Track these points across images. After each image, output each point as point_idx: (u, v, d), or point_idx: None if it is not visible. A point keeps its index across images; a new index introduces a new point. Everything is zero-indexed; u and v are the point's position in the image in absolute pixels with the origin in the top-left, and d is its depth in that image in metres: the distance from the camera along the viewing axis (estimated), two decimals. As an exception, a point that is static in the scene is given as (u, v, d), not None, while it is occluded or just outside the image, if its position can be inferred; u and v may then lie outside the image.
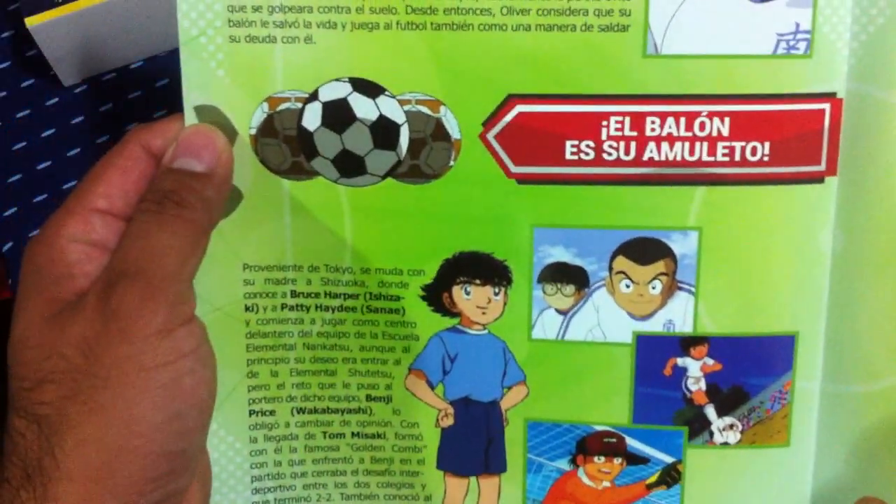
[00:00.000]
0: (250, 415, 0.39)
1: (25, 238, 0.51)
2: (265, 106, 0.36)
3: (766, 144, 0.36)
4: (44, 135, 0.52)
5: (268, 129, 0.37)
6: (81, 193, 0.35)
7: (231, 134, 0.37)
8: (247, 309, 0.38)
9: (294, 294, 0.38)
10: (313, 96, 0.36)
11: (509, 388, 0.39)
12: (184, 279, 0.33)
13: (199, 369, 0.33)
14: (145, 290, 0.32)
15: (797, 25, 0.35)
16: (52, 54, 0.48)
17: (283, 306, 0.38)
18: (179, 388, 0.32)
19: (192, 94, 0.36)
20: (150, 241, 0.33)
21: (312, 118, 0.37)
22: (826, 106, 0.36)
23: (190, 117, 0.36)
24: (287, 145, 0.37)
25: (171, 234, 0.33)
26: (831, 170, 0.36)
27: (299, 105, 0.36)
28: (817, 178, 0.36)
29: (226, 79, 0.36)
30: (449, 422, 0.39)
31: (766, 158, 0.36)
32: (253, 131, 0.37)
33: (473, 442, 0.39)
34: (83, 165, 0.52)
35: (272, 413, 0.39)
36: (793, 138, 0.36)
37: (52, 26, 0.46)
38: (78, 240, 0.34)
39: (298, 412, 0.39)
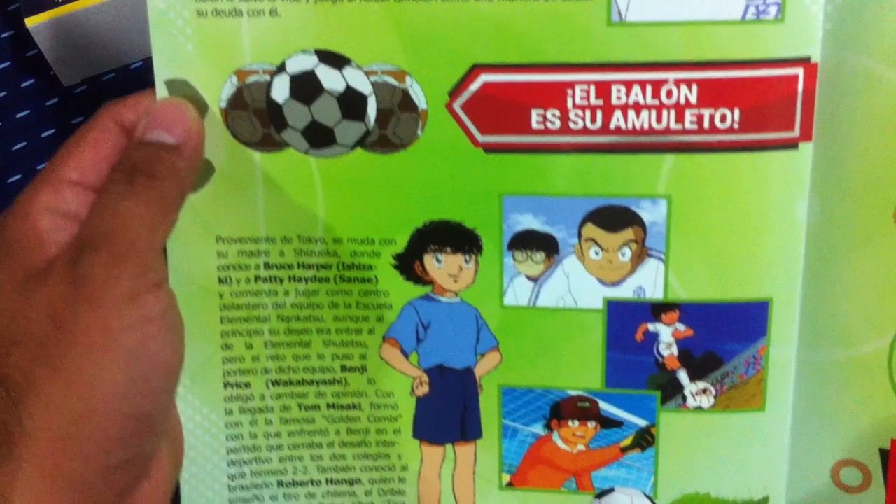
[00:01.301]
0: (225, 387, 0.39)
1: None
2: (234, 79, 0.37)
3: (737, 111, 0.35)
4: (44, 135, 0.52)
5: (237, 101, 0.37)
6: (54, 165, 0.36)
7: (202, 107, 0.37)
8: (220, 281, 0.39)
9: (267, 266, 0.39)
10: (281, 69, 0.36)
11: (483, 354, 0.39)
12: (152, 248, 0.34)
13: (166, 334, 0.34)
14: (112, 256, 0.33)
15: (766, -11, 0.34)
16: (52, 54, 0.48)
17: (257, 278, 0.39)
18: (145, 352, 0.33)
19: (163, 68, 0.37)
20: (120, 211, 0.34)
21: (281, 90, 0.37)
22: (800, 71, 0.35)
23: (161, 91, 0.37)
24: (257, 118, 0.37)
25: (140, 204, 0.34)
26: (806, 136, 0.36)
27: (267, 78, 0.37)
28: (791, 145, 0.36)
29: (195, 53, 0.36)
30: (424, 390, 0.40)
31: (736, 126, 0.36)
32: (223, 104, 0.37)
33: (449, 409, 0.40)
34: None
35: (247, 385, 0.39)
36: (764, 104, 0.35)
37: (52, 26, 0.46)
38: (49, 210, 0.35)
39: (273, 384, 0.40)
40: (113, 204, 0.34)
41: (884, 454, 0.38)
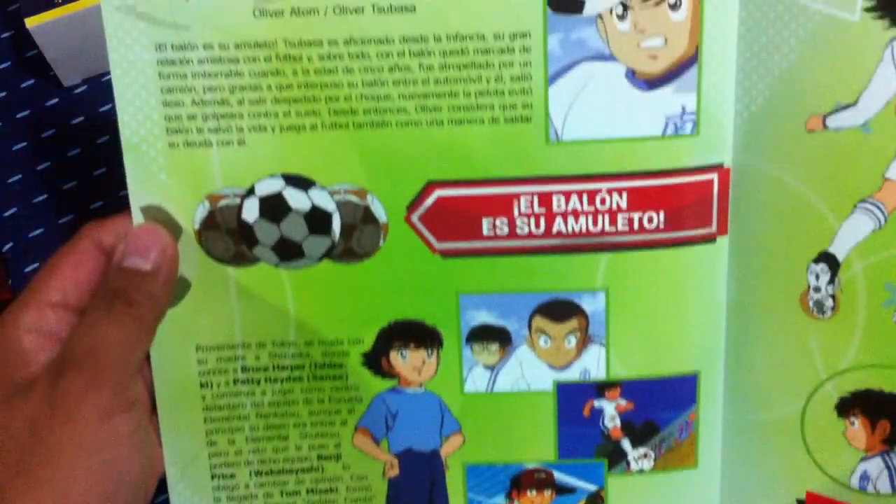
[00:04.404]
0: (213, 478, 0.42)
1: (25, 238, 0.52)
2: (206, 203, 0.40)
3: (662, 213, 0.40)
4: (44, 135, 0.52)
5: (210, 223, 0.40)
6: (37, 286, 0.39)
7: (176, 230, 0.40)
8: (202, 385, 0.42)
9: (244, 369, 0.42)
10: (250, 192, 0.40)
11: (447, 437, 0.43)
12: (128, 368, 0.37)
13: (136, 453, 0.37)
14: (91, 377, 0.36)
15: (683, 108, 0.39)
16: (52, 54, 0.48)
17: (236, 381, 0.42)
18: (116, 469, 0.36)
19: (138, 195, 0.39)
20: (99, 333, 0.37)
21: (251, 211, 0.40)
22: (714, 176, 0.40)
23: (137, 216, 0.40)
24: (229, 237, 0.40)
25: (118, 328, 0.37)
26: (722, 230, 0.41)
27: (238, 200, 0.40)
28: (710, 239, 0.41)
29: (168, 180, 0.39)
30: (395, 472, 0.43)
31: (661, 226, 0.40)
32: (196, 226, 0.40)
33: (418, 488, 0.44)
34: (83, 166, 0.53)
35: (232, 476, 0.43)
36: (685, 206, 0.40)
37: (52, 26, 0.46)
38: (32, 330, 0.38)
39: (256, 474, 0.43)
40: (93, 328, 0.37)
41: None
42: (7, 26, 0.50)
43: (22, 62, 0.51)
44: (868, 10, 0.37)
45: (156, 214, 0.40)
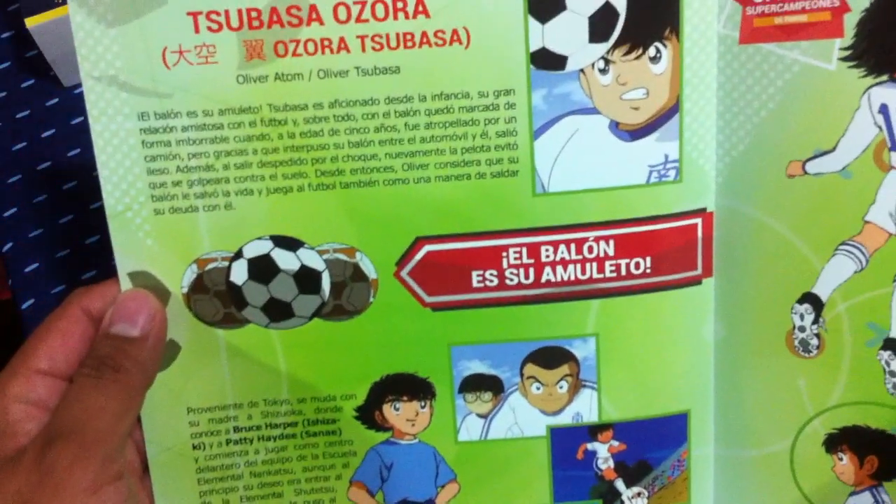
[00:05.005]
0: (209, 540, 0.42)
1: (25, 238, 0.52)
2: (194, 267, 0.39)
3: (648, 259, 0.41)
4: (44, 135, 0.52)
5: (199, 286, 0.40)
6: (25, 354, 0.38)
7: (164, 294, 0.40)
8: (194, 448, 0.41)
9: (237, 429, 0.42)
10: (238, 254, 0.39)
11: (442, 486, 0.43)
12: (116, 438, 0.37)
13: None
14: (79, 448, 0.35)
15: (666, 157, 0.40)
16: (52, 54, 0.48)
17: (228, 441, 0.42)
18: None
19: (125, 261, 0.39)
20: (87, 403, 0.36)
21: (239, 274, 0.40)
22: (698, 220, 0.41)
23: (125, 283, 0.39)
24: (218, 299, 0.40)
25: (107, 396, 0.37)
26: (707, 272, 0.41)
27: (226, 263, 0.40)
28: (696, 282, 0.41)
29: (155, 246, 0.39)
30: (391, 523, 0.44)
31: (648, 271, 0.41)
32: (185, 290, 0.40)
33: (415, 537, 0.44)
34: (83, 165, 0.53)
35: (228, 536, 0.43)
36: (671, 251, 0.41)
37: (52, 27, 0.46)
38: (20, 400, 0.37)
39: (253, 534, 0.43)
40: (80, 397, 0.37)
41: (791, 535, 0.44)
42: (7, 26, 0.50)
43: (22, 62, 0.51)
44: (844, 59, 0.37)
45: (143, 280, 0.39)
